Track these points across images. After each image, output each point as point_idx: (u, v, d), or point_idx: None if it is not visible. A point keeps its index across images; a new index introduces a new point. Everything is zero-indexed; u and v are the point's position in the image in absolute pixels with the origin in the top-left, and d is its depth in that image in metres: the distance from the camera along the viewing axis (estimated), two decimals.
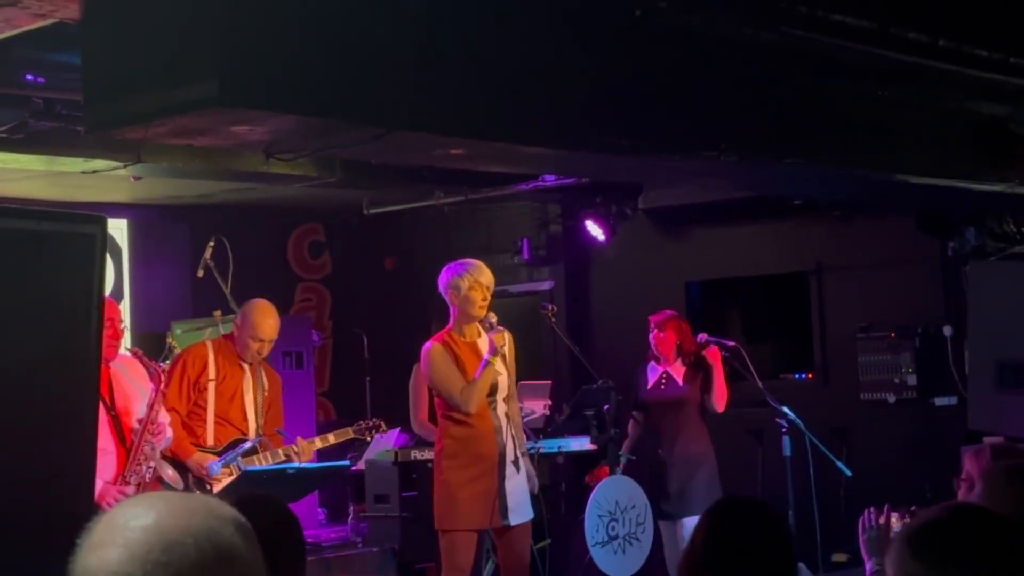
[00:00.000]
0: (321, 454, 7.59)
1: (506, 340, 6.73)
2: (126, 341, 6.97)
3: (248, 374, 6.86)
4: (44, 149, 7.53)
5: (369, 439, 7.41)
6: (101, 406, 6.06)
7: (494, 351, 6.58)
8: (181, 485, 6.33)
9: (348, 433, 7.20)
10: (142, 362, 6.14)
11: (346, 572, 8.68)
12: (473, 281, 6.60)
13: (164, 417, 6.27)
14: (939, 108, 6.51)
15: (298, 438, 6.88)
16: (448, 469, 6.60)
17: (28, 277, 4.67)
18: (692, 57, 5.39)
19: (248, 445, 6.56)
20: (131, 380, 6.16)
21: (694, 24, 5.12)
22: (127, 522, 1.80)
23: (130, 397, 6.12)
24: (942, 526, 2.45)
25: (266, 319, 6.83)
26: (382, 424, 7.37)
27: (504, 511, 6.61)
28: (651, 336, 8.24)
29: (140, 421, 6.06)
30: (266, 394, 6.90)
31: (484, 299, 6.61)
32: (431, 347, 6.64)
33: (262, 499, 3.38)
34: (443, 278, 6.68)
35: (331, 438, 7.06)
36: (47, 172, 8.28)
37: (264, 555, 1.80)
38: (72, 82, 5.36)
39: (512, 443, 6.73)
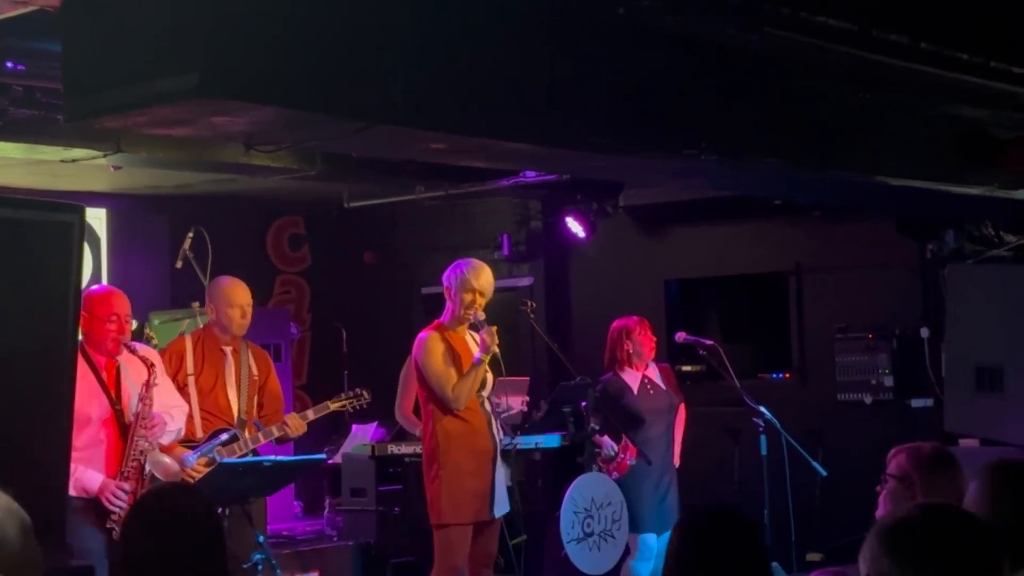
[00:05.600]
0: (299, 442, 7.55)
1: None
2: None
3: (230, 358, 6.83)
4: (23, 137, 7.49)
5: (351, 409, 7.28)
6: (105, 401, 6.06)
7: (486, 349, 6.61)
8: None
9: (327, 407, 7.02)
10: (136, 355, 6.11)
11: (320, 565, 8.67)
12: (465, 281, 6.70)
13: (168, 409, 6.26)
14: (920, 111, 6.52)
15: (290, 414, 6.86)
16: (447, 464, 6.64)
17: (4, 264, 4.65)
18: (674, 56, 5.39)
19: (226, 436, 6.54)
20: (136, 375, 6.15)
21: (677, 24, 5.12)
22: None
23: (133, 394, 6.11)
24: (916, 525, 2.45)
25: (235, 286, 6.87)
26: (364, 394, 7.16)
27: (492, 505, 6.72)
28: (636, 337, 8.12)
29: (134, 415, 6.04)
30: (254, 376, 6.87)
31: (474, 301, 6.67)
32: (428, 336, 6.69)
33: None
34: (445, 272, 6.81)
35: (310, 414, 6.91)
36: (26, 160, 8.25)
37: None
38: (53, 70, 5.32)
39: (498, 437, 6.82)
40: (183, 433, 6.44)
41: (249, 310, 6.86)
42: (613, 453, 7.87)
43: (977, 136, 6.66)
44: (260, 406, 6.88)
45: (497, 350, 6.70)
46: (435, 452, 6.68)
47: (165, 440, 6.25)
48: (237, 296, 6.82)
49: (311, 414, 6.92)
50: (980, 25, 5.74)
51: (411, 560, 8.60)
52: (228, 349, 6.83)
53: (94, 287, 6.73)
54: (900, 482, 3.94)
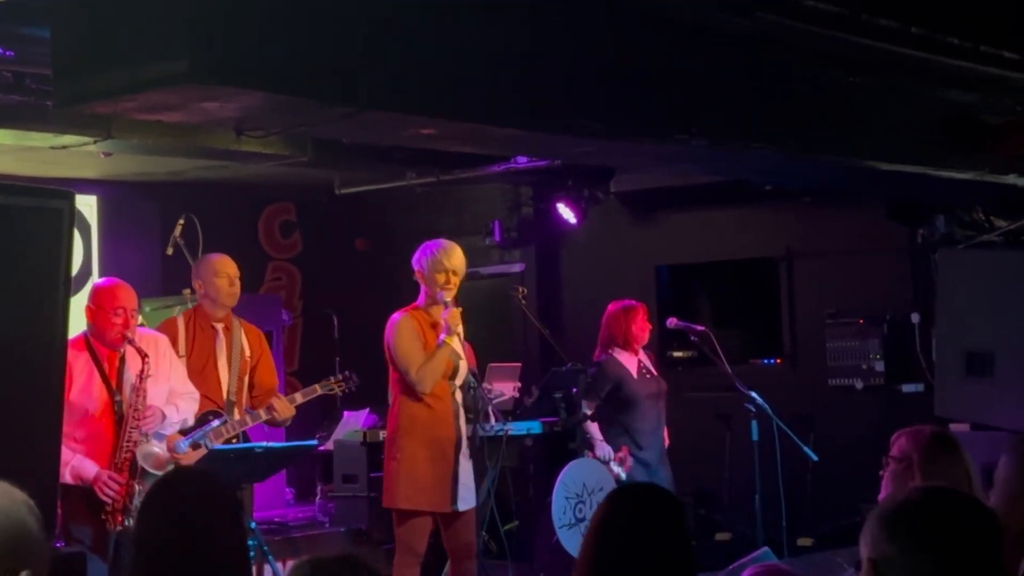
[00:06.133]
0: (291, 428, 7.53)
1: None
2: None
3: (221, 335, 6.81)
4: (13, 124, 7.46)
5: (340, 393, 7.24)
6: (106, 393, 6.06)
7: (448, 331, 6.56)
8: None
9: (316, 390, 6.96)
10: (133, 346, 6.11)
11: (312, 551, 8.67)
12: (437, 262, 6.60)
13: (174, 399, 6.26)
14: (910, 96, 6.52)
15: (276, 395, 6.83)
16: (408, 448, 6.58)
17: None
18: (665, 41, 5.39)
19: (217, 422, 6.53)
20: (136, 367, 6.15)
21: (667, 8, 5.13)
22: None
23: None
24: (917, 507, 2.45)
25: (221, 257, 6.88)
26: (353, 377, 7.09)
27: (455, 497, 6.61)
28: (640, 320, 8.14)
29: (127, 407, 6.05)
30: (246, 356, 6.86)
31: (448, 281, 6.59)
32: (399, 318, 6.64)
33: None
34: (415, 256, 6.71)
35: (298, 398, 6.88)
36: (16, 147, 8.23)
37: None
38: (43, 56, 5.32)
39: (464, 429, 6.73)
40: (190, 422, 6.42)
41: (237, 281, 6.85)
42: (608, 459, 7.86)
43: (967, 121, 6.67)
44: (251, 387, 6.87)
45: (460, 332, 6.63)
46: (396, 435, 6.63)
47: (170, 431, 6.24)
48: (224, 266, 6.82)
49: (299, 397, 6.89)
50: (970, 10, 5.75)
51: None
52: (220, 326, 6.81)
53: (101, 280, 6.72)
54: (899, 463, 3.97)
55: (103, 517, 5.96)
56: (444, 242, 6.70)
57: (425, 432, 6.58)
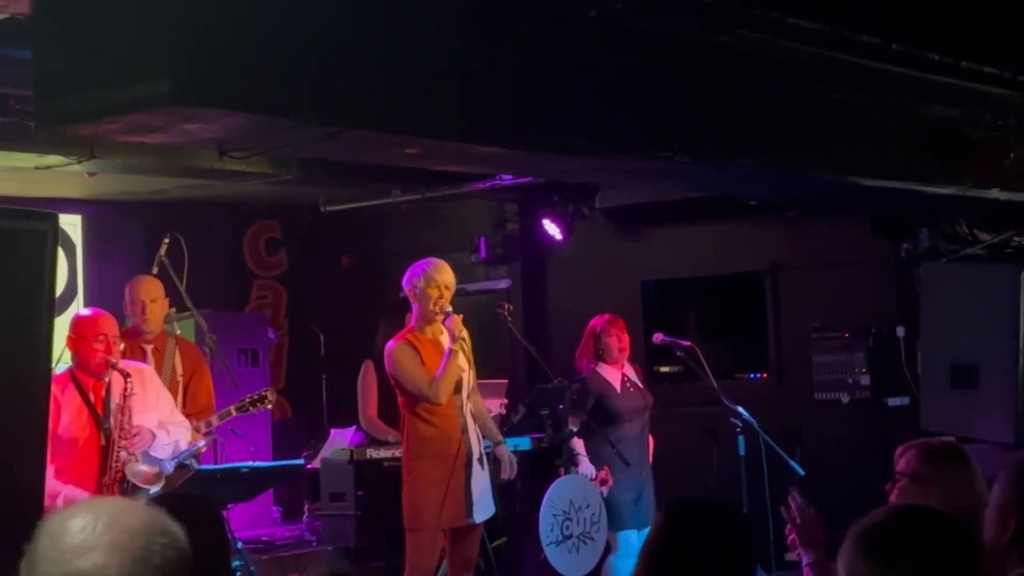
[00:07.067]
0: (277, 447, 7.50)
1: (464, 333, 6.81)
2: None
3: (151, 357, 6.81)
4: None
5: (254, 411, 7.13)
6: (93, 423, 6.04)
7: (454, 339, 6.62)
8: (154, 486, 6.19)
9: (231, 412, 6.89)
10: (116, 369, 6.09)
11: (300, 570, 8.66)
12: (429, 278, 6.69)
13: (165, 426, 6.23)
14: (892, 111, 6.55)
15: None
16: (416, 469, 6.67)
17: None
18: (647, 58, 5.40)
19: (202, 443, 6.52)
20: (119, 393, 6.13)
21: (650, 25, 5.14)
22: (109, 524, 1.93)
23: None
24: (892, 526, 2.46)
25: (138, 281, 6.95)
26: (267, 396, 6.94)
27: (470, 510, 6.70)
28: (617, 336, 8.14)
29: (114, 425, 6.03)
30: (178, 376, 6.85)
31: (441, 296, 6.68)
32: (394, 346, 6.71)
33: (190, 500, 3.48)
34: (405, 276, 6.79)
35: (215, 420, 6.85)
36: (0, 168, 8.21)
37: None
38: (26, 77, 5.31)
39: (477, 440, 6.81)
40: (181, 446, 6.38)
41: (154, 304, 6.86)
42: (591, 476, 7.86)
43: (950, 135, 6.69)
44: (184, 404, 6.87)
45: (466, 336, 6.72)
46: (407, 456, 6.74)
47: (160, 453, 6.20)
48: (139, 292, 6.86)
49: (215, 420, 6.87)
50: (951, 26, 5.78)
51: (387, 564, 8.59)
52: (149, 348, 6.81)
53: (83, 311, 6.72)
54: (912, 480, 3.92)
55: None
56: (434, 260, 6.85)
57: (432, 451, 6.66)
